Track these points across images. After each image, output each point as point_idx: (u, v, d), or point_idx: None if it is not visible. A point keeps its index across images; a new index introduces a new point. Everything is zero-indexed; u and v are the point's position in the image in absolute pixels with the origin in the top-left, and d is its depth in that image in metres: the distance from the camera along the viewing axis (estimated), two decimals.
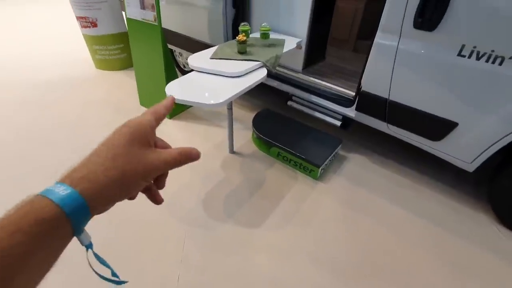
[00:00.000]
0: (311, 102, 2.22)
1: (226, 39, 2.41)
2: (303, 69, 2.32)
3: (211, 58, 1.78)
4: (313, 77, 2.24)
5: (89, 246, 0.31)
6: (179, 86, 1.56)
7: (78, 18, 3.11)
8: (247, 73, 1.66)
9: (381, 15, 1.57)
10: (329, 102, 2.11)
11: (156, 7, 2.11)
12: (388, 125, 1.85)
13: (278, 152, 2.07)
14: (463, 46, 1.37)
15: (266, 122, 2.27)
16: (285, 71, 2.34)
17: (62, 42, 4.32)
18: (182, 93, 1.47)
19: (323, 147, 2.02)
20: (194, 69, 1.71)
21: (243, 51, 1.81)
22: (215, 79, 1.61)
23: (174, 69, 2.49)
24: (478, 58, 1.35)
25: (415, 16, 1.43)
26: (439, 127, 1.63)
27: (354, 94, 1.99)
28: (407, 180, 1.97)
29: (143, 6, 2.21)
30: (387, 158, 2.16)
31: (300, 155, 1.93)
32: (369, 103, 1.86)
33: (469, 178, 1.96)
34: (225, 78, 1.62)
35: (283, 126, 2.25)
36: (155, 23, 2.19)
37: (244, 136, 2.37)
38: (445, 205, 1.81)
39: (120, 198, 0.32)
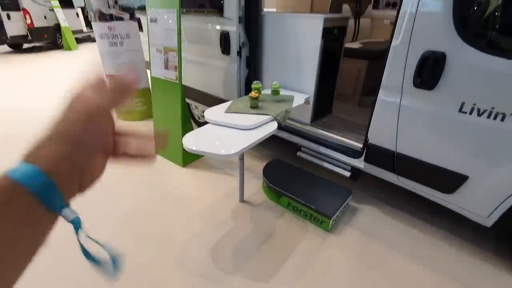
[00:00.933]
0: (320, 153, 2.29)
1: (239, 95, 2.61)
2: (311, 121, 2.45)
3: (225, 112, 1.93)
4: (321, 129, 2.34)
5: (76, 222, 0.29)
6: (195, 137, 1.67)
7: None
8: (259, 126, 1.78)
9: (381, 74, 1.71)
10: (337, 153, 2.17)
11: (178, 68, 2.37)
12: (398, 176, 1.86)
13: (288, 202, 2.07)
14: (463, 103, 1.45)
15: (277, 172, 2.32)
16: (294, 123, 2.47)
17: None
18: (197, 144, 1.57)
19: (333, 198, 2.02)
20: (210, 122, 1.84)
21: (255, 106, 1.96)
22: (229, 132, 1.72)
23: (190, 121, 2.66)
24: (479, 115, 1.42)
25: (414, 77, 1.56)
26: (449, 180, 1.63)
27: (361, 146, 2.05)
28: (422, 234, 1.90)
29: (166, 67, 2.48)
30: (400, 210, 2.11)
31: (310, 205, 1.92)
32: (377, 155, 1.91)
33: (489, 233, 1.87)
34: (238, 130, 1.73)
35: (293, 176, 2.28)
36: (176, 81, 2.43)
37: (255, 185, 2.40)
38: (464, 261, 1.71)
39: (79, 155, 0.29)
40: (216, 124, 1.81)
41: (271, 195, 2.21)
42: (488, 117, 1.40)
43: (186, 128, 2.57)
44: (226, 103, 2.12)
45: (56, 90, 4.99)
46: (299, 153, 2.44)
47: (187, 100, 3.16)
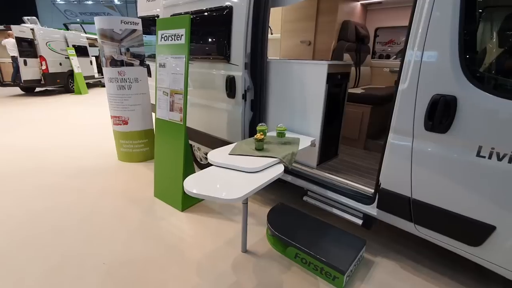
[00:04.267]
0: (328, 198, 2.16)
1: (244, 137, 2.58)
2: (317, 165, 2.37)
3: (229, 154, 1.86)
4: (328, 173, 2.25)
5: None
6: (198, 180, 1.57)
7: (112, 117, 3.50)
8: (264, 169, 1.69)
9: (390, 117, 1.68)
10: (346, 198, 2.04)
11: (184, 110, 2.37)
12: (416, 225, 1.71)
13: (296, 253, 1.88)
14: (480, 147, 1.39)
15: (282, 218, 2.16)
16: (300, 166, 2.39)
17: (94, 137, 4.75)
18: (199, 188, 1.47)
19: (346, 249, 1.83)
20: (213, 164, 1.76)
21: (260, 148, 1.90)
22: (233, 175, 1.63)
23: (192, 163, 2.59)
24: (499, 159, 1.34)
25: (425, 120, 1.52)
26: (474, 231, 1.49)
27: (372, 191, 1.94)
28: None
29: (171, 109, 2.49)
30: (420, 264, 1.91)
31: (322, 258, 1.73)
32: (391, 201, 1.78)
33: None
34: (243, 173, 1.64)
35: (300, 223, 2.12)
36: (181, 123, 2.41)
37: (258, 232, 2.22)
38: None
39: None
40: (219, 167, 1.73)
41: (276, 244, 2.02)
42: (510, 161, 1.32)
43: (188, 170, 2.49)
44: (230, 145, 2.07)
45: (62, 130, 5.03)
46: (305, 198, 2.31)
47: (190, 142, 3.13)
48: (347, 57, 3.18)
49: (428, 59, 1.48)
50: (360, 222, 1.98)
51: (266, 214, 2.22)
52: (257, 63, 2.43)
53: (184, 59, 2.35)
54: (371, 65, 3.77)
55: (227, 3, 2.46)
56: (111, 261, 1.90)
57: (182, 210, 2.50)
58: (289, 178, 2.38)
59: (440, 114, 1.46)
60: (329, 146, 2.50)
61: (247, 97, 2.51)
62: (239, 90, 2.49)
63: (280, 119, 2.46)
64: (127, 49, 3.28)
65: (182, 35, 2.34)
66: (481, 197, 1.43)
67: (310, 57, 3.46)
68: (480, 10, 1.36)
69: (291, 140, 2.11)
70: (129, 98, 3.39)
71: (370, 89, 3.14)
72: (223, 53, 2.58)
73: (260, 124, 2.06)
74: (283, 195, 2.81)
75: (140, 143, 3.60)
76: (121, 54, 3.25)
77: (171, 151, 2.55)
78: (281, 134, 2.09)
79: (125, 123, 3.47)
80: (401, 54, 1.60)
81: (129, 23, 3.21)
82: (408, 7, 3.26)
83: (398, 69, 3.60)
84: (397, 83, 1.64)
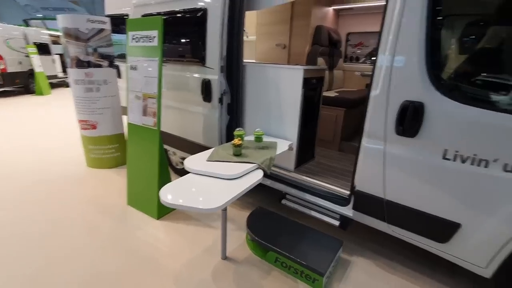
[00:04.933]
0: (306, 201, 2.19)
1: (220, 141, 2.55)
2: (295, 168, 2.39)
3: (207, 161, 1.82)
4: (306, 176, 2.28)
5: None
6: (174, 189, 1.52)
7: (79, 121, 3.29)
8: (243, 175, 1.67)
9: (362, 121, 1.74)
10: (324, 200, 2.09)
11: (158, 114, 2.29)
12: (389, 225, 1.78)
13: (276, 258, 1.89)
14: (446, 150, 1.47)
15: (261, 223, 2.16)
16: (278, 170, 2.40)
17: (59, 142, 4.44)
18: (177, 198, 1.42)
19: (324, 251, 1.87)
20: (191, 171, 1.71)
21: (238, 154, 1.88)
22: (212, 182, 1.59)
23: (167, 168, 2.50)
24: (463, 162, 1.44)
25: (396, 125, 1.59)
26: (442, 228, 1.58)
27: (348, 192, 1.99)
28: None
29: (144, 113, 2.39)
30: (395, 262, 1.99)
31: (302, 261, 1.75)
32: (366, 202, 1.84)
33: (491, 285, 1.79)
34: (221, 180, 1.61)
35: (279, 227, 2.13)
36: (154, 128, 2.32)
37: (238, 238, 2.20)
38: None
39: None
40: (197, 174, 1.69)
41: (256, 249, 2.02)
42: (472, 163, 1.41)
43: (163, 175, 2.40)
44: (207, 151, 2.02)
45: (23, 135, 4.64)
46: (284, 201, 2.33)
47: (165, 147, 3.03)
48: (321, 61, 3.26)
49: (398, 67, 1.54)
50: (337, 223, 2.03)
51: (246, 218, 2.21)
52: (233, 66, 2.41)
53: (157, 61, 2.26)
54: (344, 68, 3.90)
55: (201, 5, 2.41)
56: (81, 276, 1.77)
57: (158, 218, 2.41)
58: (268, 182, 2.39)
59: (409, 120, 1.53)
60: (306, 149, 2.55)
61: (223, 101, 2.47)
62: (215, 94, 2.45)
63: (257, 123, 2.46)
64: (95, 50, 3.10)
65: (154, 37, 2.25)
66: (447, 197, 1.52)
67: (286, 61, 3.50)
68: (442, 19, 1.44)
69: (268, 144, 2.12)
70: (97, 101, 3.21)
71: (343, 92, 3.25)
72: (197, 56, 2.53)
73: (238, 129, 2.04)
74: (262, 198, 2.81)
75: (110, 148, 3.42)
76: (87, 54, 3.06)
77: (145, 157, 2.44)
78: (258, 139, 2.08)
79: (94, 127, 3.28)
80: (373, 60, 1.65)
81: (96, 22, 3.03)
82: (378, 13, 3.41)
83: (368, 73, 3.75)
84: (369, 87, 1.70)
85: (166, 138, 2.98)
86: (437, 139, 1.48)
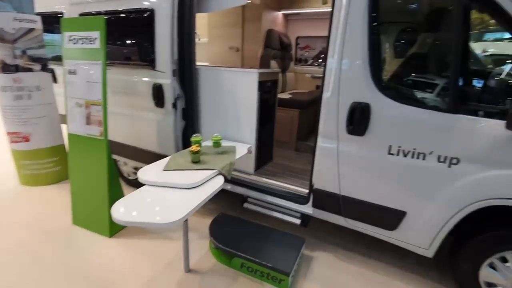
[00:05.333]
0: (268, 202, 2.22)
1: (177, 148, 2.44)
2: (255, 170, 2.41)
3: (164, 170, 1.72)
4: (266, 178, 2.31)
5: None
6: (128, 204, 1.40)
7: (8, 133, 2.87)
8: (204, 183, 1.62)
9: (317, 122, 1.82)
10: (285, 200, 2.14)
11: (104, 123, 2.10)
12: (346, 219, 1.90)
13: (241, 263, 1.87)
14: (390, 146, 1.62)
15: (224, 229, 2.12)
16: (238, 174, 2.39)
17: None
18: (131, 214, 1.31)
19: (288, 250, 1.91)
20: (146, 183, 1.60)
21: (197, 161, 1.82)
22: (170, 193, 1.51)
23: (119, 181, 2.31)
24: (405, 155, 1.59)
25: (347, 125, 1.70)
26: (390, 217, 1.73)
27: (307, 191, 2.07)
28: (377, 275, 1.92)
29: (88, 122, 2.18)
30: (353, 252, 2.13)
31: (267, 264, 1.76)
32: (324, 199, 1.93)
33: (432, 265, 2.01)
34: (181, 190, 1.54)
35: (243, 231, 2.12)
36: (101, 138, 2.13)
37: (201, 247, 2.13)
38: None
39: None
40: (153, 185, 1.58)
41: (221, 257, 1.97)
42: (412, 157, 1.58)
43: (114, 188, 2.21)
44: (163, 159, 1.92)
45: None
46: (246, 205, 2.32)
47: (114, 157, 2.80)
48: (273, 64, 3.34)
49: (346, 70, 1.65)
50: (298, 221, 2.09)
51: (208, 226, 2.15)
52: (186, 70, 2.33)
53: (101, 65, 2.07)
54: (295, 71, 4.06)
55: (148, 5, 2.28)
56: None
57: (111, 236, 2.21)
58: (228, 187, 2.36)
59: (358, 120, 1.65)
60: (265, 151, 2.58)
61: (177, 106, 2.37)
62: (168, 99, 2.33)
63: (215, 127, 2.41)
64: (24, 52, 2.73)
65: (96, 39, 2.06)
66: (393, 188, 1.67)
67: (239, 64, 3.51)
68: (379, 26, 1.58)
69: (227, 149, 2.09)
70: (29, 109, 2.83)
71: (296, 94, 3.37)
72: (146, 59, 2.39)
73: (195, 135, 1.98)
74: (224, 203, 2.77)
75: (49, 162, 3.04)
76: (15, 57, 2.68)
77: (91, 169, 2.22)
78: (217, 144, 2.04)
79: (27, 139, 2.88)
80: (320, 62, 1.75)
81: (24, 20, 2.67)
82: (325, 19, 3.61)
83: (318, 75, 3.95)
84: (320, 89, 1.78)
85: (115, 148, 2.75)
86: (383, 136, 1.62)
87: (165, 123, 2.42)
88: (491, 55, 1.60)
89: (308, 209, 2.03)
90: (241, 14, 3.32)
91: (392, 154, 1.62)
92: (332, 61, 1.68)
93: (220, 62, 3.60)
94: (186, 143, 2.43)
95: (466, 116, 1.42)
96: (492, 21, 1.45)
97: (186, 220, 1.76)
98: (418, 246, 1.70)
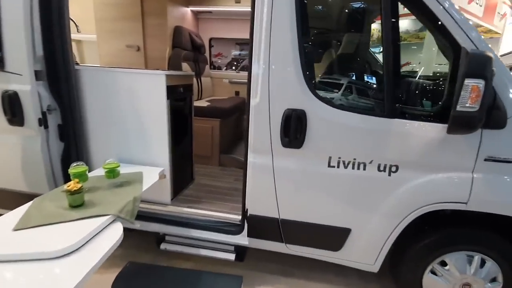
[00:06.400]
0: (192, 238, 1.76)
1: (54, 184, 1.72)
2: (172, 199, 1.91)
3: (15, 230, 1.06)
4: (187, 207, 1.85)
5: None
6: None
7: None
8: (89, 241, 1.05)
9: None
10: (213, 233, 1.73)
11: None
12: (287, 245, 1.63)
13: None
14: (330, 157, 1.42)
15: (135, 284, 1.54)
16: (150, 206, 1.84)
17: None
18: None
19: None
20: None
21: (78, 204, 1.22)
22: (25, 271, 0.89)
23: None
24: (345, 167, 1.42)
25: (281, 136, 1.42)
26: (335, 237, 1.55)
27: (240, 218, 1.72)
28: None
29: None
30: (295, 278, 1.87)
31: None
32: (260, 226, 1.62)
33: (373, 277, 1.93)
34: (45, 263, 0.93)
35: (161, 283, 1.59)
36: None
37: None
38: None
39: None
40: None
41: None
42: (353, 167, 1.42)
43: None
44: (20, 208, 1.23)
45: None
46: (163, 245, 1.80)
47: None
48: (186, 66, 2.88)
49: (275, 74, 1.38)
50: (232, 257, 1.72)
51: (111, 284, 1.53)
52: (60, 71, 1.65)
53: None
54: (211, 75, 3.68)
55: None
56: None
57: None
58: (137, 225, 1.76)
59: (294, 129, 1.39)
60: (183, 172, 2.10)
61: (49, 122, 1.67)
62: (30, 113, 1.61)
63: (111, 149, 1.80)
64: None
65: None
66: (336, 204, 1.49)
67: (142, 66, 2.90)
68: (306, 30, 1.40)
69: (130, 178, 1.53)
70: None
71: (215, 101, 3.00)
72: None
73: (74, 164, 1.36)
74: (133, 247, 2.12)
75: None
76: None
77: None
78: (112, 173, 1.46)
79: None
80: (242, 69, 1.45)
81: None
82: (242, 20, 3.34)
83: (237, 80, 3.68)
84: (247, 95, 1.47)
85: None
86: (321, 147, 1.42)
87: (29, 147, 1.67)
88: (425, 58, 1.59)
89: (243, 240, 1.67)
90: (140, 6, 2.74)
91: (333, 167, 1.43)
92: (257, 66, 1.39)
93: (116, 64, 2.89)
94: (68, 175, 1.73)
95: (402, 120, 1.33)
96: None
97: None
98: (364, 263, 1.57)
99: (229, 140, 2.90)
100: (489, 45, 1.21)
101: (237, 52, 3.75)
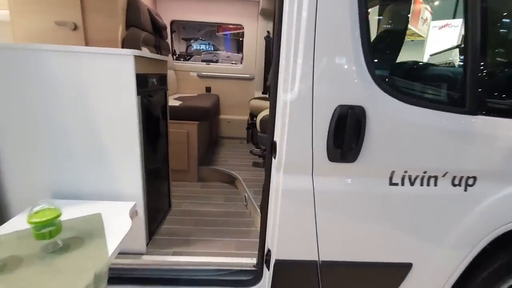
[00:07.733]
0: None
1: None
2: (148, 244, 1.30)
3: None
4: (170, 255, 1.26)
5: None
6: None
7: None
8: None
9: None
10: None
11: None
12: None
13: None
14: (393, 172, 1.02)
15: None
16: (116, 261, 1.20)
17: None
18: None
19: None
20: None
21: None
22: None
23: None
24: (412, 183, 1.04)
25: (329, 147, 0.96)
26: (392, 275, 1.16)
27: (254, 261, 1.22)
28: None
29: None
30: None
31: None
32: (292, 275, 1.14)
33: None
34: None
35: None
36: None
37: None
38: None
39: None
40: None
41: None
42: (421, 183, 1.04)
43: None
44: None
45: None
46: None
47: None
48: (147, 52, 2.19)
49: (324, 61, 0.92)
50: None
51: None
52: None
53: None
54: (175, 68, 3.00)
55: None
56: None
57: None
58: None
59: (349, 135, 0.95)
60: (159, 201, 1.49)
61: None
62: None
63: (40, 179, 1.10)
64: None
65: None
66: (397, 234, 1.10)
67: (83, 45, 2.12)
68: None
69: (80, 229, 0.90)
70: None
71: (186, 99, 2.37)
72: None
73: None
74: None
75: None
76: None
77: None
78: (47, 231, 0.81)
79: None
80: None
81: None
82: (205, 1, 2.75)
83: (207, 73, 3.08)
84: (270, 88, 0.98)
85: None
86: (383, 158, 1.00)
87: None
88: None
89: None
90: None
91: (395, 184, 1.04)
92: (292, 52, 0.91)
93: (38, 41, 2.05)
94: None
95: (488, 117, 1.00)
96: None
97: None
98: None
99: (206, 148, 2.33)
100: None
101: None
